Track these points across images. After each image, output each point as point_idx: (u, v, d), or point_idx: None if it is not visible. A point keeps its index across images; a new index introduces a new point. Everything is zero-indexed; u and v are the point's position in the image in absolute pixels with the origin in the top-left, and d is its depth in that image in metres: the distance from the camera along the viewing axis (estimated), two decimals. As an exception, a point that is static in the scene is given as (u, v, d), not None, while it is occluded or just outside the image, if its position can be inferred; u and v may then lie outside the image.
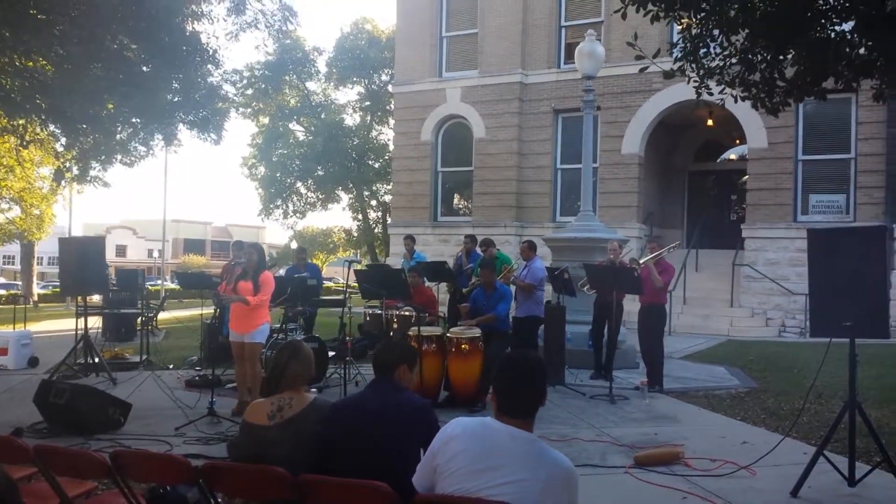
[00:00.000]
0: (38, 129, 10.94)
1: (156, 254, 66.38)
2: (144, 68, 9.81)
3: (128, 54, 9.63)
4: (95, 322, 12.18)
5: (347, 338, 9.10)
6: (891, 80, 5.68)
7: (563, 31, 19.06)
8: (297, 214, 40.76)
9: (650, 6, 5.65)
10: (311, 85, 39.42)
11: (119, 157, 18.50)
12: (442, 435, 2.88)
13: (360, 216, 43.01)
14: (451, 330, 8.17)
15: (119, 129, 13.78)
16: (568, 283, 9.29)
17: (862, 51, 5.35)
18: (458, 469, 2.72)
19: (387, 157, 39.81)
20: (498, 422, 2.78)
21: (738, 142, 19.56)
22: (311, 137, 37.87)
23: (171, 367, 10.84)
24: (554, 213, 18.97)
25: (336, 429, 3.31)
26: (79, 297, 10.12)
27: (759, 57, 5.75)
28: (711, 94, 6.17)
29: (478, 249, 11.31)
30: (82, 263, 9.33)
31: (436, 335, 8.04)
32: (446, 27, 20.37)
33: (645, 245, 10.27)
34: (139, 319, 13.07)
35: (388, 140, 40.85)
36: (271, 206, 39.68)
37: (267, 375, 3.68)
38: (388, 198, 42.53)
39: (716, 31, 5.82)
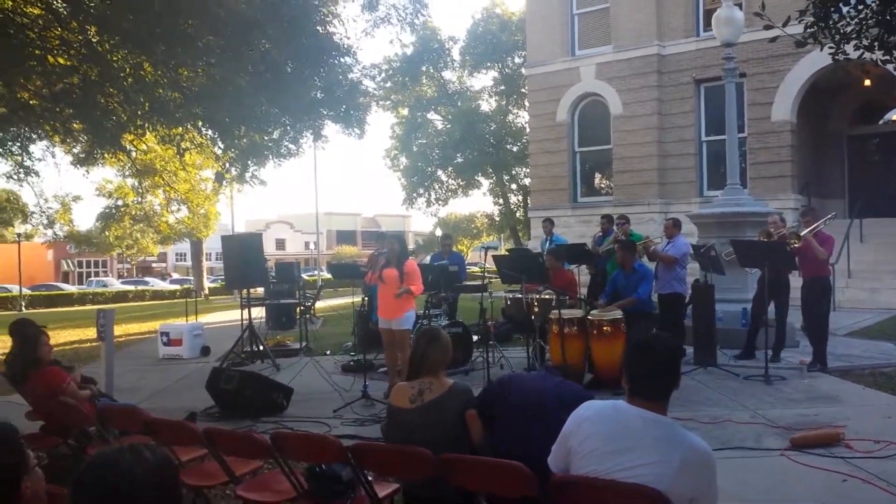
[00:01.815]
0: (195, 136, 11.85)
1: (311, 246, 69.75)
2: (288, 69, 10.35)
3: (274, 56, 10.22)
4: (259, 312, 13.08)
5: (489, 322, 9.26)
6: None
7: (701, -4, 18.26)
8: (440, 202, 41.50)
9: None
10: (447, 74, 39.93)
11: (271, 156, 19.62)
12: (575, 417, 2.93)
13: (500, 201, 43.24)
14: (592, 312, 8.13)
15: (271, 129, 14.64)
16: (716, 261, 8.98)
17: None
18: (592, 451, 2.76)
19: (524, 141, 39.73)
20: (629, 405, 2.79)
21: (903, 101, 18.07)
22: (448, 126, 38.39)
23: (328, 352, 11.44)
24: (700, 187, 18.28)
25: (498, 394, 3.46)
26: (243, 290, 10.88)
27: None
28: (850, 60, 5.79)
29: (614, 228, 11.18)
30: (243, 258, 10.01)
31: (577, 318, 8.02)
32: (577, 4, 20.02)
33: (799, 218, 9.73)
34: (298, 309, 13.88)
35: (525, 123, 40.72)
36: (414, 195, 40.64)
37: (409, 361, 3.86)
38: (527, 181, 42.46)
39: None
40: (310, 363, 10.22)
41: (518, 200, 43.08)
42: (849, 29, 5.77)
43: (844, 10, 5.71)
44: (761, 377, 8.13)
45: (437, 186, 41.01)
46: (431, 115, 40.28)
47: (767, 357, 8.40)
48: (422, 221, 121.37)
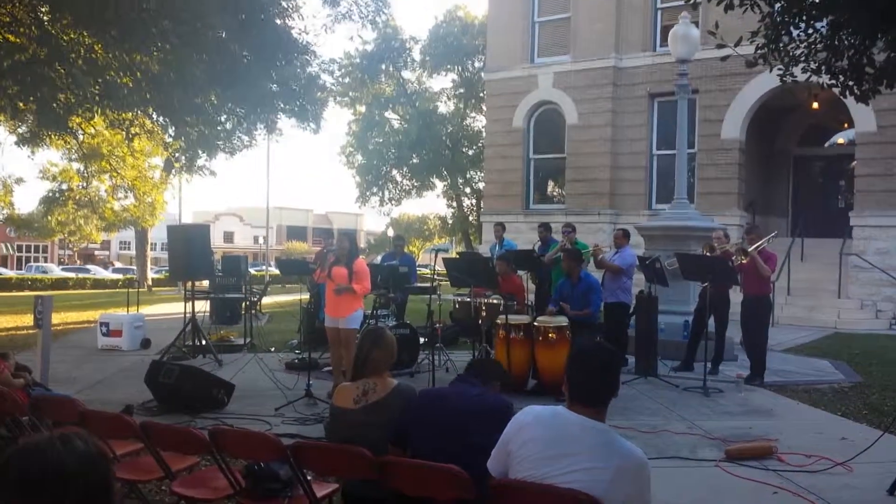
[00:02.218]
0: (146, 122, 11.60)
1: (261, 240, 68.80)
2: (244, 60, 10.22)
3: (230, 46, 10.08)
4: (203, 306, 12.86)
5: (437, 325, 9.28)
6: None
7: (659, 13, 18.61)
8: (393, 202, 41.43)
9: None
10: (407, 73, 39.85)
11: (222, 146, 19.38)
12: (515, 422, 2.96)
13: (454, 204, 43.34)
14: (538, 318, 8.20)
15: (224, 119, 14.47)
16: (660, 273, 9.14)
17: None
18: (530, 455, 2.79)
19: (480, 145, 39.87)
20: (569, 411, 2.83)
21: (846, 125, 18.65)
22: (406, 125, 38.36)
23: (272, 349, 11.32)
24: (649, 200, 18.61)
25: (416, 414, 3.42)
26: (187, 282, 10.68)
27: (847, 43, 5.50)
28: (797, 83, 5.99)
29: (552, 237, 11.39)
30: (189, 250, 9.84)
31: (524, 323, 8.09)
32: (538, 12, 20.21)
33: (743, 235, 9.96)
34: (243, 304, 13.71)
35: (482, 127, 40.90)
36: (368, 193, 40.50)
37: (353, 361, 3.84)
38: (481, 185, 42.65)
39: (798, 20, 5.61)
40: (253, 360, 10.11)
41: (472, 204, 43.22)
42: (798, 52, 5.94)
43: (795, 33, 5.87)
44: (700, 389, 8.30)
45: (391, 186, 40.91)
46: (389, 114, 40.17)
47: (706, 370, 8.58)
48: (374, 221, 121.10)
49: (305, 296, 11.21)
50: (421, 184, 41.62)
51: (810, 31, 5.71)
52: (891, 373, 9.67)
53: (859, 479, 5.29)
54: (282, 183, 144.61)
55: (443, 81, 41.40)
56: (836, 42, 5.61)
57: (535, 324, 8.04)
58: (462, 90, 39.28)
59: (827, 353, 11.44)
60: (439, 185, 42.10)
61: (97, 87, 9.42)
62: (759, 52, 6.07)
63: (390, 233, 58.94)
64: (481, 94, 39.64)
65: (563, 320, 7.98)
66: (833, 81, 5.94)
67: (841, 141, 19.22)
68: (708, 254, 9.20)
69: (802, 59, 5.91)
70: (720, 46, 5.86)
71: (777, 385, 8.89)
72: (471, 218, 43.28)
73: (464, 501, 3.03)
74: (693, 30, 11.66)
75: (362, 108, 39.92)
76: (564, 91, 19.25)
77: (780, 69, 6.00)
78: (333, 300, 7.86)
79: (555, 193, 20.58)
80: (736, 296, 9.47)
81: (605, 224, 18.45)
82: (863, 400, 8.12)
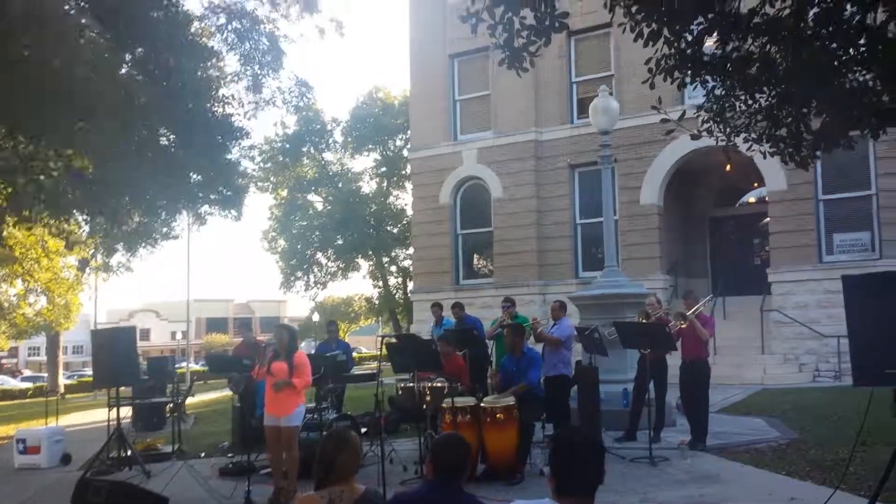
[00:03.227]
0: (73, 225, 11.20)
1: (179, 335, 66.54)
2: (172, 150, 9.98)
3: (162, 142, 9.88)
4: (125, 412, 12.18)
5: (380, 414, 9.01)
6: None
7: (574, 86, 19.31)
8: (319, 285, 40.98)
9: (677, 74, 5.73)
10: (328, 155, 40.03)
11: (142, 242, 18.88)
12: None
13: (380, 283, 43.12)
14: (484, 399, 8.06)
15: (160, 211, 14.20)
16: (599, 342, 9.16)
17: (885, 98, 5.36)
18: None
19: (405, 222, 40.14)
20: (557, 503, 2.71)
21: (755, 185, 19.54)
22: (329, 207, 38.30)
23: (203, 454, 10.74)
24: (576, 269, 18.90)
25: None
26: (111, 389, 10.12)
27: (784, 112, 5.77)
28: (739, 153, 6.24)
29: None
30: (114, 354, 9.37)
31: (470, 406, 7.92)
32: (459, 91, 20.72)
33: (680, 300, 10.13)
34: (167, 407, 13.10)
35: (406, 205, 41.21)
36: (292, 278, 39.96)
37: (315, 467, 3.60)
38: (407, 263, 42.73)
39: (740, 92, 5.87)
40: (183, 468, 9.53)
41: (398, 282, 43.09)
42: (738, 122, 6.21)
43: (737, 104, 6.16)
44: (646, 459, 8.24)
45: (316, 269, 40.53)
46: (312, 197, 40.09)
47: (651, 439, 8.55)
48: (297, 306, 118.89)
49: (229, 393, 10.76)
50: (346, 265, 41.36)
51: (751, 101, 5.98)
52: (824, 426, 9.84)
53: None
54: (199, 274, 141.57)
55: (365, 161, 41.78)
56: (776, 111, 5.86)
57: (483, 405, 7.89)
58: (384, 169, 39.67)
59: (760, 411, 11.62)
60: (365, 265, 41.95)
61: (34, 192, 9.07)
62: (704, 125, 6.32)
63: (315, 318, 57.98)
64: (403, 172, 40.14)
65: (510, 400, 7.85)
66: (774, 149, 6.21)
67: (751, 200, 20.07)
68: (644, 321, 9.29)
69: (744, 128, 6.17)
70: (664, 121, 6.07)
71: (718, 447, 8.92)
72: (398, 297, 43.09)
73: None
74: (612, 102, 12.10)
75: (284, 192, 39.72)
76: (488, 166, 19.61)
77: (723, 140, 6.26)
78: (273, 397, 7.54)
79: (483, 268, 20.69)
80: (672, 360, 9.56)
81: (535, 295, 18.60)
82: (802, 456, 8.20)
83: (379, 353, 9.98)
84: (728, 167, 18.89)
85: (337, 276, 41.45)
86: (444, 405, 8.01)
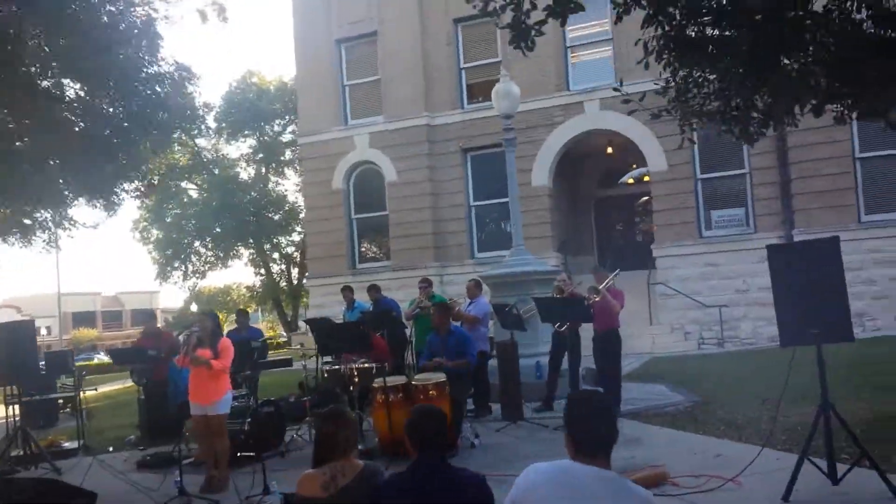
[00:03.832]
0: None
1: (44, 331, 62.61)
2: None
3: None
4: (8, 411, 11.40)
5: (305, 398, 8.95)
6: (850, 106, 6.31)
7: (463, 72, 19.56)
8: (198, 275, 39.62)
9: (665, 55, 6.05)
10: (201, 141, 38.60)
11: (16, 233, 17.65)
12: (522, 485, 2.91)
13: (262, 271, 42.17)
14: (416, 377, 8.15)
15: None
16: (517, 318, 9.45)
17: (823, 81, 5.85)
18: None
19: (286, 209, 39.41)
20: (579, 464, 2.83)
21: (634, 166, 20.55)
22: (205, 195, 37.03)
23: (110, 449, 10.28)
24: (472, 250, 19.26)
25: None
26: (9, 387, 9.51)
27: (734, 92, 6.18)
28: (694, 131, 6.71)
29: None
30: (13, 350, 8.80)
31: (401, 384, 7.99)
32: (347, 76, 20.55)
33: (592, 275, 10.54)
34: (60, 402, 12.40)
35: (286, 191, 40.50)
36: (168, 269, 38.42)
37: (315, 445, 3.61)
38: (290, 249, 42.01)
39: (698, 75, 6.24)
40: (94, 463, 9.10)
41: (281, 269, 42.31)
42: (694, 103, 6.62)
43: (693, 88, 6.58)
44: (562, 428, 8.58)
45: (194, 258, 39.14)
46: (186, 184, 38.63)
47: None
48: (171, 297, 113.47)
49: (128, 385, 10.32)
50: (225, 254, 40.16)
51: (706, 85, 6.39)
52: (724, 389, 10.52)
53: (752, 492, 5.72)
54: (63, 266, 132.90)
55: (241, 147, 40.55)
56: (727, 93, 6.25)
57: (414, 383, 7.98)
58: (262, 155, 38.73)
59: (658, 378, 12.29)
60: (245, 253, 40.90)
61: None
62: (670, 104, 6.71)
63: (193, 308, 56.04)
64: (282, 158, 39.38)
65: (440, 376, 7.98)
66: (725, 128, 6.67)
67: (630, 181, 21.08)
68: (558, 296, 9.66)
69: (697, 109, 6.59)
70: (626, 101, 6.41)
71: (630, 413, 9.40)
72: (282, 284, 42.31)
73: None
74: (514, 87, 12.43)
75: (154, 180, 38.00)
76: (381, 150, 19.60)
77: (681, 121, 6.67)
78: (200, 385, 7.32)
79: (379, 251, 20.69)
80: (583, 332, 9.99)
81: (433, 276, 18.68)
82: (712, 417, 8.75)
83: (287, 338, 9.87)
84: (609, 150, 19.99)
85: (216, 265, 40.22)
86: (374, 385, 8.04)
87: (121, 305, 69.87)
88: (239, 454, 7.98)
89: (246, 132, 39.06)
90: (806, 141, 15.54)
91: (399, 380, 8.12)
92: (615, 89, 6.39)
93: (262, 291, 43.44)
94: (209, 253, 39.80)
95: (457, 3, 19.25)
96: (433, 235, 19.19)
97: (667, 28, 5.98)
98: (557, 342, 9.82)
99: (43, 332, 62.77)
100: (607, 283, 9.51)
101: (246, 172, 40.44)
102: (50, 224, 13.71)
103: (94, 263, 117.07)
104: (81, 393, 10.94)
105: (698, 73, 6.36)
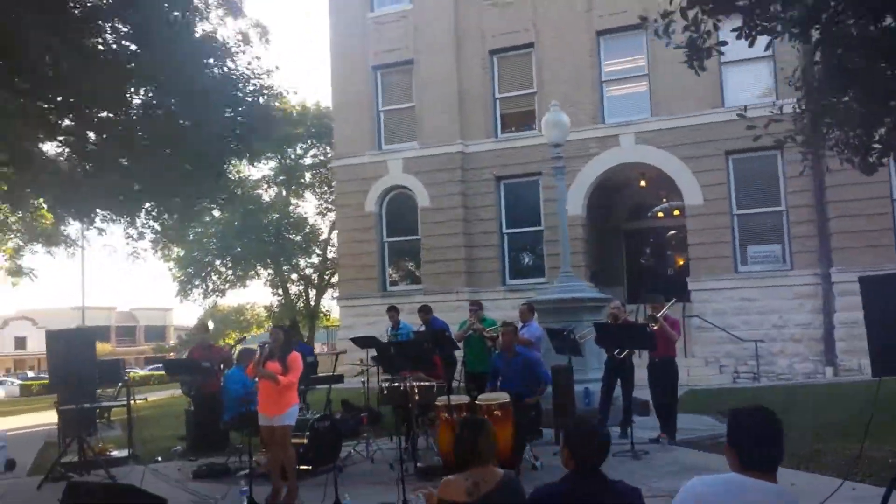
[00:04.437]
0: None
1: (57, 344, 62.46)
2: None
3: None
4: (48, 418, 11.46)
5: (363, 413, 8.98)
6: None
7: (497, 102, 19.78)
8: (217, 293, 39.75)
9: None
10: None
11: (41, 244, 17.85)
12: (689, 493, 2.95)
13: (280, 291, 42.28)
14: (479, 397, 8.18)
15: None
16: (574, 344, 9.48)
17: None
18: None
19: (306, 231, 39.60)
20: (748, 477, 2.86)
21: (664, 200, 20.66)
22: (227, 214, 37.24)
23: (158, 458, 10.31)
24: (503, 276, 19.34)
25: None
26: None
27: (856, 123, 6.31)
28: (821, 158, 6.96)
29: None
30: (73, 357, 8.87)
31: (465, 403, 8.03)
32: (382, 101, 20.80)
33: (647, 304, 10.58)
34: (102, 412, 12.44)
35: (306, 214, 40.71)
36: (189, 286, 38.57)
37: (456, 452, 3.66)
38: (308, 271, 42.11)
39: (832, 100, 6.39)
40: (148, 472, 9.12)
41: (300, 291, 42.39)
42: (832, 143, 6.78)
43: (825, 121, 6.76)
44: (629, 453, 8.59)
45: (214, 277, 39.30)
46: (208, 203, 38.82)
47: (631, 434, 8.92)
48: (184, 314, 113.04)
49: (168, 394, 10.39)
50: (244, 273, 40.32)
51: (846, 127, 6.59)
52: None
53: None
54: (77, 280, 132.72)
55: (262, 169, 40.84)
56: (866, 137, 6.40)
57: (478, 402, 8.00)
58: (283, 177, 39.03)
59: (700, 409, 12.27)
60: (264, 273, 41.04)
61: None
62: (798, 137, 6.86)
63: (210, 326, 56.14)
64: (303, 181, 39.67)
65: (504, 396, 8.01)
66: (846, 157, 6.83)
67: (660, 214, 21.18)
68: (614, 323, 9.71)
69: (833, 145, 6.77)
70: (750, 128, 6.53)
71: (686, 442, 9.41)
72: (299, 305, 42.35)
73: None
74: (563, 116, 12.54)
75: (177, 199, 38.26)
76: (415, 175, 19.76)
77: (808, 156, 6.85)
78: (268, 397, 7.38)
79: (410, 275, 20.76)
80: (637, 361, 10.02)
81: (464, 301, 18.76)
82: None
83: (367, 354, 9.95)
84: (642, 183, 20.09)
85: (235, 284, 40.39)
86: (438, 403, 8.08)
87: (135, 321, 70.01)
88: (297, 467, 8.01)
89: (269, 154, 39.40)
90: (844, 181, 15.58)
91: (462, 399, 8.15)
92: (739, 115, 6.47)
93: (279, 311, 43.48)
94: (229, 272, 39.98)
95: (493, 35, 19.60)
96: (465, 261, 19.27)
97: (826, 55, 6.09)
98: (611, 369, 9.84)
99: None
100: (664, 312, 9.55)
101: (267, 194, 40.71)
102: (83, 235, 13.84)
103: (107, 278, 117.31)
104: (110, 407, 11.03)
105: (838, 101, 6.48)
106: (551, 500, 3.24)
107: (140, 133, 8.03)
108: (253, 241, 35.69)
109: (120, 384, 11.97)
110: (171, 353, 62.14)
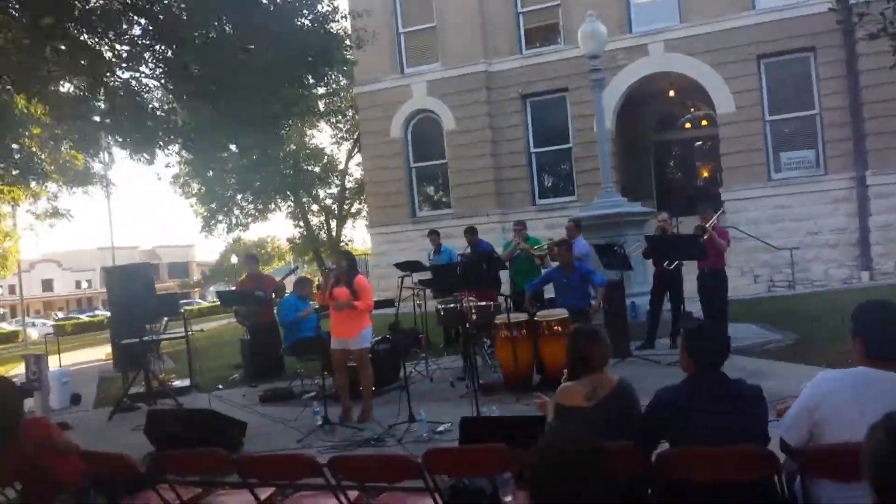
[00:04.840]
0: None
1: (84, 284, 63.57)
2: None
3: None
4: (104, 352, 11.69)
5: (420, 334, 9.16)
6: None
7: (520, 17, 19.34)
8: (240, 227, 39.97)
9: None
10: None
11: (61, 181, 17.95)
12: (816, 390, 3.02)
13: (301, 223, 42.41)
14: (538, 313, 8.30)
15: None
16: (624, 258, 9.53)
17: None
18: (848, 420, 2.83)
19: (325, 162, 39.44)
20: (872, 369, 2.93)
21: (693, 110, 20.38)
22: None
23: (220, 386, 10.60)
24: (533, 196, 19.31)
25: (675, 412, 3.33)
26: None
27: None
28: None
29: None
30: (133, 292, 9.04)
31: (524, 321, 8.16)
32: (402, 23, 20.40)
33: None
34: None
35: (322, 144, 40.50)
36: (213, 222, 38.78)
37: (569, 360, 3.76)
38: (328, 202, 42.13)
39: None
40: (214, 399, 9.40)
41: (321, 222, 42.51)
42: None
43: None
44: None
45: (236, 211, 39.45)
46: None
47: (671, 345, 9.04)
48: (205, 250, 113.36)
49: (221, 325, 10.59)
50: (265, 207, 40.42)
51: None
52: (814, 327, 10.50)
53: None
54: (99, 221, 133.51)
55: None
56: None
57: (538, 319, 8.14)
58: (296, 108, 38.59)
59: (743, 318, 12.36)
60: (283, 206, 41.10)
61: None
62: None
63: (234, 259, 56.70)
64: (315, 110, 39.24)
65: (563, 312, 8.13)
66: None
67: (687, 125, 20.93)
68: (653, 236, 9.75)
69: None
70: (861, 16, 6.57)
71: (737, 349, 9.50)
72: (321, 236, 42.53)
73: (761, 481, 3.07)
74: (600, 26, 12.32)
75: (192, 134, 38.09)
76: (439, 98, 19.53)
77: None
78: (341, 321, 7.54)
79: (440, 199, 20.76)
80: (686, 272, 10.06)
81: (495, 224, 18.87)
82: (816, 352, 8.76)
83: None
84: (671, 93, 19.72)
85: (257, 217, 40.55)
86: (497, 321, 8.21)
87: (158, 259, 70.77)
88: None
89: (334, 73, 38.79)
90: (878, 80, 15.27)
91: (521, 316, 8.27)
92: (831, 9, 6.35)
93: (301, 244, 43.72)
94: (249, 206, 40.09)
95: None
96: (494, 182, 19.21)
97: None
98: (661, 282, 9.91)
99: (84, 285, 63.79)
100: (712, 222, 9.55)
101: (282, 126, 40.31)
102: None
103: (129, 216, 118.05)
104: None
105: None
106: (676, 401, 3.34)
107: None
108: (271, 173, 35.61)
109: (166, 319, 12.19)
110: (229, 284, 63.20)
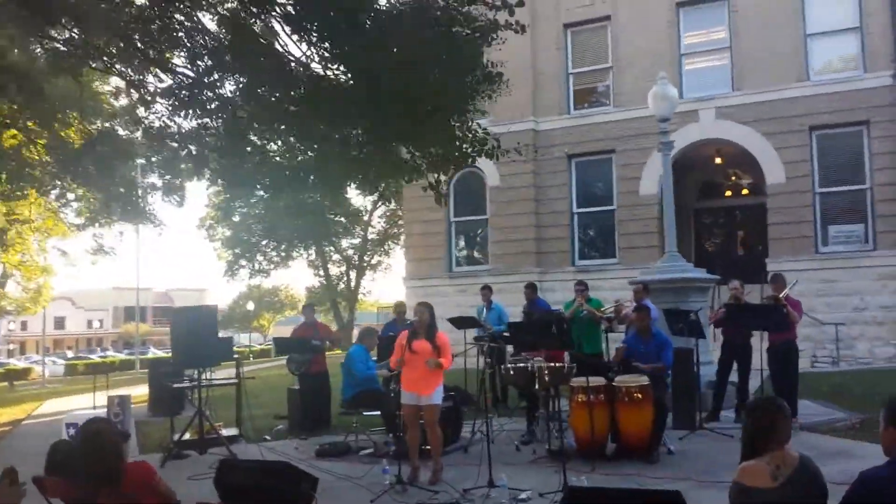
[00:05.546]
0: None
1: (96, 324, 63.34)
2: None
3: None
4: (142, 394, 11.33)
5: (488, 394, 8.87)
6: None
7: (570, 77, 19.46)
8: (262, 274, 40.04)
9: None
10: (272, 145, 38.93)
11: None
12: (860, 485, 2.97)
13: (321, 272, 42.38)
14: (617, 378, 8.01)
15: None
16: (695, 325, 9.27)
17: None
18: None
19: (350, 210, 39.63)
20: None
21: (733, 178, 20.31)
22: (272, 192, 37.28)
23: (267, 437, 10.28)
24: (573, 257, 19.10)
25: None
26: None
27: None
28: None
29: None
30: (196, 334, 8.83)
31: (603, 385, 7.87)
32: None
33: (770, 284, 10.26)
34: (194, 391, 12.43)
35: (348, 195, 40.67)
36: (236, 267, 38.86)
37: (749, 435, 3.49)
38: (351, 252, 42.18)
39: None
40: (266, 450, 9.10)
41: (341, 272, 42.49)
42: None
43: None
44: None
45: (259, 257, 39.57)
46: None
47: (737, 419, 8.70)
48: (217, 296, 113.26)
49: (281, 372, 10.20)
50: (287, 254, 40.54)
51: None
52: (872, 405, 10.18)
53: None
54: (114, 261, 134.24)
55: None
56: None
57: (615, 384, 7.85)
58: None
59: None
60: (303, 254, 41.19)
61: None
62: None
63: (250, 306, 56.63)
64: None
65: (644, 379, 7.85)
66: None
67: (728, 192, 20.82)
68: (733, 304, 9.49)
69: None
70: None
71: (808, 427, 9.18)
72: (340, 287, 42.44)
73: None
74: (671, 89, 12.29)
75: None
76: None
77: None
78: (417, 377, 7.27)
79: (478, 255, 20.58)
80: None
81: (535, 282, 18.63)
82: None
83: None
84: (718, 160, 19.67)
85: (279, 264, 40.65)
86: (574, 384, 7.93)
87: (171, 302, 70.63)
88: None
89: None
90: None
91: (599, 380, 7.99)
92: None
93: (320, 292, 43.65)
94: (272, 253, 40.20)
95: (567, 8, 19.24)
96: (535, 241, 19.06)
97: None
98: (731, 351, 9.63)
99: (96, 324, 63.54)
100: (786, 292, 9.31)
101: (311, 174, 40.64)
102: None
103: (144, 260, 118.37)
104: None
105: None
106: (884, 487, 3.08)
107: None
108: (298, 221, 35.75)
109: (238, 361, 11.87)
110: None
